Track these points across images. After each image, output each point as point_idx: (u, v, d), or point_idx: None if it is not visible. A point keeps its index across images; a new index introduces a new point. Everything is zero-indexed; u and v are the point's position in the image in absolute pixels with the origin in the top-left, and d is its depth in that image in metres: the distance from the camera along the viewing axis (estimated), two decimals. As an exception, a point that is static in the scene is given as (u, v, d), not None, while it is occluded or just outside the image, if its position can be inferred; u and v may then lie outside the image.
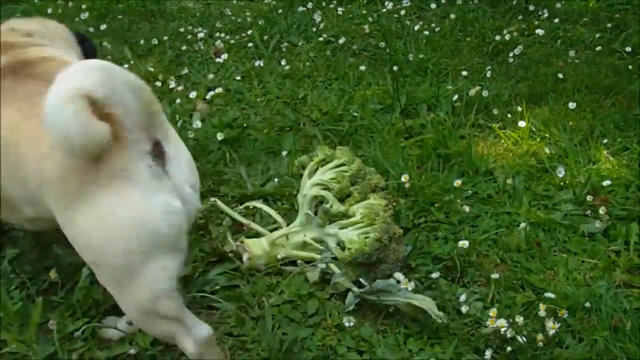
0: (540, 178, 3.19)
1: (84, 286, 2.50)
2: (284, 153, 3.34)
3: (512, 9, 5.11)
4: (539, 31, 4.67)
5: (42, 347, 2.31)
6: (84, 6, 5.21)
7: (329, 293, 2.54)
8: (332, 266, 2.53)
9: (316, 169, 2.68)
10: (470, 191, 3.09)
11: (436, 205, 2.97)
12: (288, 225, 2.72)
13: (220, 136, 3.46)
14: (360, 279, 2.46)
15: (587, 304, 2.40)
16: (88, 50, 2.74)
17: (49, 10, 5.15)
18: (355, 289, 2.46)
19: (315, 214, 2.60)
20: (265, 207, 2.88)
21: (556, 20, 4.88)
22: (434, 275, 2.57)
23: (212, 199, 2.79)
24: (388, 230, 2.47)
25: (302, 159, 2.78)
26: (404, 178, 3.01)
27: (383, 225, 2.47)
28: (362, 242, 2.44)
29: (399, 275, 2.44)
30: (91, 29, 4.85)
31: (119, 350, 2.32)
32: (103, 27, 4.84)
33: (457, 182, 3.05)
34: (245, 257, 2.61)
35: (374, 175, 2.74)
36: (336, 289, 2.52)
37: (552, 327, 2.25)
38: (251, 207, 2.91)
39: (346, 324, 2.37)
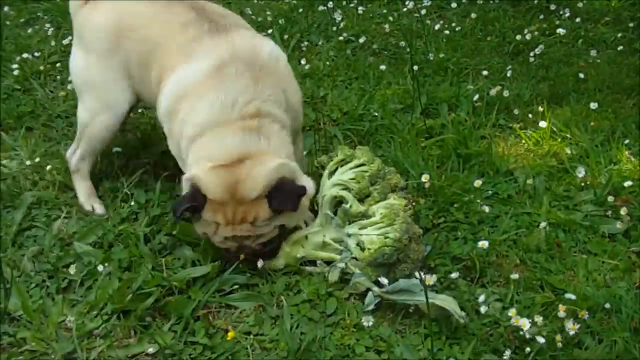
0: (560, 178, 3.17)
1: (103, 285, 2.53)
2: (305, 153, 3.35)
3: (533, 8, 5.10)
4: (560, 30, 4.64)
5: (60, 345, 2.33)
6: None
7: (348, 293, 2.54)
8: (352, 266, 2.52)
9: (335, 169, 2.67)
10: (490, 191, 3.07)
11: (456, 205, 2.96)
12: (307, 225, 2.72)
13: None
14: (380, 279, 2.45)
15: (607, 305, 2.38)
16: None
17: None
18: (375, 288, 2.45)
19: (335, 214, 2.60)
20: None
21: (577, 19, 4.86)
22: (453, 275, 2.55)
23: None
24: (408, 231, 2.46)
25: (321, 159, 2.77)
26: (424, 178, 3.00)
27: (403, 226, 2.46)
28: (382, 242, 2.43)
29: (421, 274, 2.42)
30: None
31: (138, 350, 2.34)
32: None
33: (477, 182, 3.04)
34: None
35: (394, 175, 2.73)
36: (356, 289, 2.51)
37: (571, 327, 2.23)
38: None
39: (365, 324, 2.37)
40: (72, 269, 2.60)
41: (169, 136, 2.73)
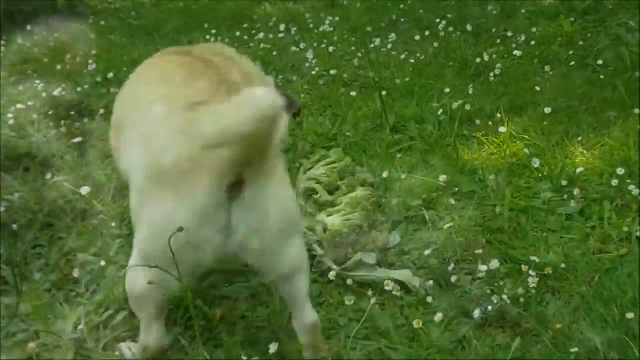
0: (521, 174, 3.45)
1: (108, 286, 2.77)
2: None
3: (491, 36, 5.45)
4: (517, 52, 4.99)
5: (71, 337, 2.56)
6: (90, 61, 5.55)
7: (328, 279, 2.78)
8: (316, 247, 2.79)
9: (311, 167, 2.96)
10: (456, 188, 3.34)
11: (424, 197, 3.22)
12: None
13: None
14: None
15: (563, 265, 2.64)
16: None
17: (59, 67, 5.48)
18: (335, 267, 2.71)
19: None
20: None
21: (532, 42, 5.20)
22: (426, 253, 2.81)
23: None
24: (369, 217, 2.74)
25: (303, 161, 3.06)
26: (385, 174, 3.32)
27: (364, 213, 2.74)
28: (341, 224, 2.71)
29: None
30: (99, 79, 5.19)
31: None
32: (110, 76, 5.17)
33: (442, 177, 3.31)
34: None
35: (364, 172, 3.02)
36: (320, 268, 2.77)
37: (532, 282, 2.49)
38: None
39: (347, 302, 2.61)
40: (75, 272, 2.84)
41: None
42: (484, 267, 2.68)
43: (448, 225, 2.96)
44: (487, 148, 3.74)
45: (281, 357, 2.34)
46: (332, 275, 2.69)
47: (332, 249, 2.74)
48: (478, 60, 4.87)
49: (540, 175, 3.37)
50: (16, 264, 2.98)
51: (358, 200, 2.80)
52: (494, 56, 5.00)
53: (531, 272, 2.57)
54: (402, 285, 2.62)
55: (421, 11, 6.38)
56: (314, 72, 5.00)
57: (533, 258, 2.68)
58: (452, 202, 3.20)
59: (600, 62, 4.76)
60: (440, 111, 4.08)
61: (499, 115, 3.92)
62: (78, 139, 4.12)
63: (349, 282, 2.71)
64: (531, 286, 2.52)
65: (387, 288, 2.60)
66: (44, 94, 4.91)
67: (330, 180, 2.87)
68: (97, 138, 4.21)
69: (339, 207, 2.80)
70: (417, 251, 2.89)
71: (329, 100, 4.53)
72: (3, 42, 6.47)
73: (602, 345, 2.28)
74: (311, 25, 6.22)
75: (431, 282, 2.65)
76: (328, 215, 2.81)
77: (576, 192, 3.13)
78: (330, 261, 2.74)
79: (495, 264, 2.67)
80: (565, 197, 3.18)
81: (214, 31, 6.21)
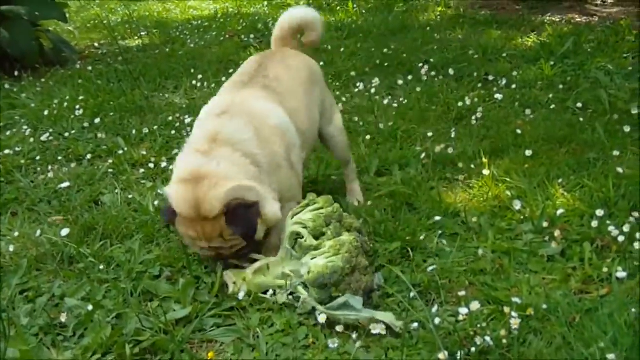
0: (503, 216, 3.51)
1: (95, 330, 2.79)
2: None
3: (473, 80, 5.57)
4: (498, 96, 5.11)
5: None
6: (77, 106, 5.60)
7: (316, 321, 2.81)
8: (300, 289, 2.85)
9: (299, 212, 3.01)
10: (440, 231, 3.39)
11: (408, 239, 3.27)
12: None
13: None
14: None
15: (544, 306, 2.68)
16: None
17: (46, 112, 5.53)
18: (319, 307, 2.75)
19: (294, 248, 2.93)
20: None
21: (513, 86, 5.32)
22: (410, 296, 2.85)
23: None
24: (350, 261, 2.79)
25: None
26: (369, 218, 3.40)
27: (346, 255, 2.79)
28: (324, 266, 2.76)
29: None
30: (86, 124, 5.24)
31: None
32: (97, 121, 5.22)
33: (425, 221, 3.37)
34: (230, 284, 2.97)
35: (350, 218, 3.08)
36: (304, 308, 2.82)
37: (514, 323, 2.53)
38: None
39: (331, 346, 2.63)
40: (63, 317, 2.86)
41: None
42: (464, 310, 2.71)
43: (431, 268, 3.00)
44: (470, 190, 3.80)
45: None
46: (321, 318, 2.72)
47: (315, 289, 2.78)
48: (460, 104, 4.97)
49: (522, 217, 3.43)
50: (3, 308, 3.00)
51: (342, 243, 2.84)
52: (476, 99, 5.11)
53: (513, 314, 2.61)
54: (387, 326, 2.65)
55: (404, 55, 6.52)
56: (298, 117, 5.06)
57: (515, 299, 2.72)
58: (436, 244, 3.25)
59: (579, 104, 4.88)
60: (424, 155, 4.15)
61: (481, 158, 3.98)
62: (66, 184, 4.16)
63: (335, 324, 2.74)
64: (513, 327, 2.55)
65: (373, 331, 2.63)
66: (32, 139, 4.96)
67: (316, 225, 2.92)
68: (85, 183, 4.26)
69: (322, 250, 2.85)
70: (400, 294, 2.93)
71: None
72: (-10, 88, 6.54)
73: (584, 385, 2.32)
74: (296, 70, 6.30)
75: (415, 324, 2.69)
76: (312, 258, 2.86)
77: (557, 233, 3.18)
78: (314, 302, 2.78)
79: (476, 305, 2.70)
80: (547, 238, 3.23)
81: (200, 76, 6.29)
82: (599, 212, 3.26)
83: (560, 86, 5.27)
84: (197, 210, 2.79)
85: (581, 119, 4.61)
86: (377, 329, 2.63)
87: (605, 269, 2.94)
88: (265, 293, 2.94)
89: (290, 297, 2.89)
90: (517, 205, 3.44)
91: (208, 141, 2.92)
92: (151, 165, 4.43)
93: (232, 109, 3.07)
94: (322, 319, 2.73)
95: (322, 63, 6.37)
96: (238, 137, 2.95)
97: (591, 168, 3.90)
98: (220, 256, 2.94)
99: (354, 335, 2.68)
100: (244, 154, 2.93)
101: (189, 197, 2.79)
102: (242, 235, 2.85)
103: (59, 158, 4.69)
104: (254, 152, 2.97)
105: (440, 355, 2.48)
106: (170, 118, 5.29)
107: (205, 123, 3.06)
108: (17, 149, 4.80)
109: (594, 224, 3.22)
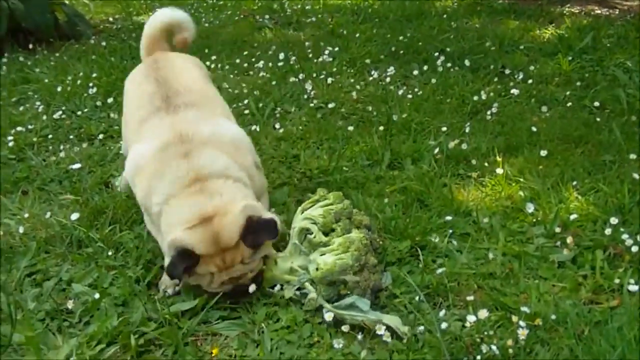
0: (515, 217, 3.47)
1: (101, 319, 2.79)
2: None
3: (489, 73, 5.51)
4: (514, 91, 5.04)
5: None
6: (91, 84, 5.58)
7: (322, 319, 2.80)
8: (308, 285, 2.84)
9: (309, 207, 2.99)
10: (450, 230, 3.36)
11: (417, 239, 3.24)
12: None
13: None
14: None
15: (553, 317, 2.66)
16: None
17: (59, 89, 5.51)
18: (327, 305, 2.74)
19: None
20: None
21: (530, 81, 5.26)
22: (417, 299, 2.83)
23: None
24: (360, 259, 2.77)
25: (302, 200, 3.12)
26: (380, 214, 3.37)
27: (355, 253, 2.78)
28: (333, 263, 2.75)
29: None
30: (99, 103, 5.22)
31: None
32: (110, 100, 5.20)
33: (436, 220, 3.34)
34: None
35: (360, 214, 3.06)
36: (311, 305, 2.80)
37: (522, 333, 2.51)
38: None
39: (335, 346, 2.62)
40: (69, 304, 2.86)
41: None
42: (472, 318, 2.68)
43: (440, 270, 2.98)
44: (482, 189, 3.77)
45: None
46: (328, 316, 2.71)
47: (323, 287, 2.77)
48: (475, 97, 4.93)
49: (534, 220, 3.40)
50: (10, 291, 2.99)
51: (351, 241, 2.83)
52: (492, 94, 5.05)
53: (521, 323, 2.58)
54: (392, 330, 2.64)
55: (420, 43, 6.46)
56: (312, 104, 5.04)
57: (524, 308, 2.69)
58: (446, 244, 3.22)
59: (596, 103, 4.82)
60: (437, 149, 4.12)
61: (498, 158, 3.94)
62: (77, 165, 4.15)
63: (341, 324, 2.73)
64: (521, 338, 2.53)
65: (378, 332, 2.62)
66: (44, 117, 4.94)
67: (326, 222, 2.91)
68: (96, 163, 4.25)
69: (331, 247, 2.83)
70: (408, 295, 2.91)
71: (326, 134, 4.56)
72: (5, 60, 6.52)
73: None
74: (310, 55, 6.28)
75: (421, 327, 2.67)
76: (321, 255, 2.84)
77: (569, 239, 3.15)
78: (322, 299, 2.76)
79: (484, 313, 2.68)
80: (558, 243, 3.20)
81: (213, 57, 6.25)
82: (613, 220, 3.22)
83: (578, 83, 5.20)
84: (217, 243, 2.77)
85: (598, 119, 4.56)
86: (382, 331, 2.62)
87: (616, 280, 2.90)
88: (272, 287, 2.93)
89: (298, 292, 2.88)
90: (530, 207, 3.41)
91: (193, 182, 2.89)
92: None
93: (187, 145, 3.00)
94: (328, 317, 2.72)
95: (337, 48, 6.36)
96: (217, 167, 2.95)
97: (607, 171, 3.85)
98: (239, 287, 2.90)
99: (359, 336, 2.67)
100: (234, 179, 2.95)
101: (207, 236, 2.77)
102: (270, 238, 2.87)
103: (71, 137, 4.68)
104: (239, 176, 2.99)
105: (446, 362, 2.47)
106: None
107: (174, 169, 2.94)
108: (29, 126, 4.79)
109: (608, 231, 3.18)
